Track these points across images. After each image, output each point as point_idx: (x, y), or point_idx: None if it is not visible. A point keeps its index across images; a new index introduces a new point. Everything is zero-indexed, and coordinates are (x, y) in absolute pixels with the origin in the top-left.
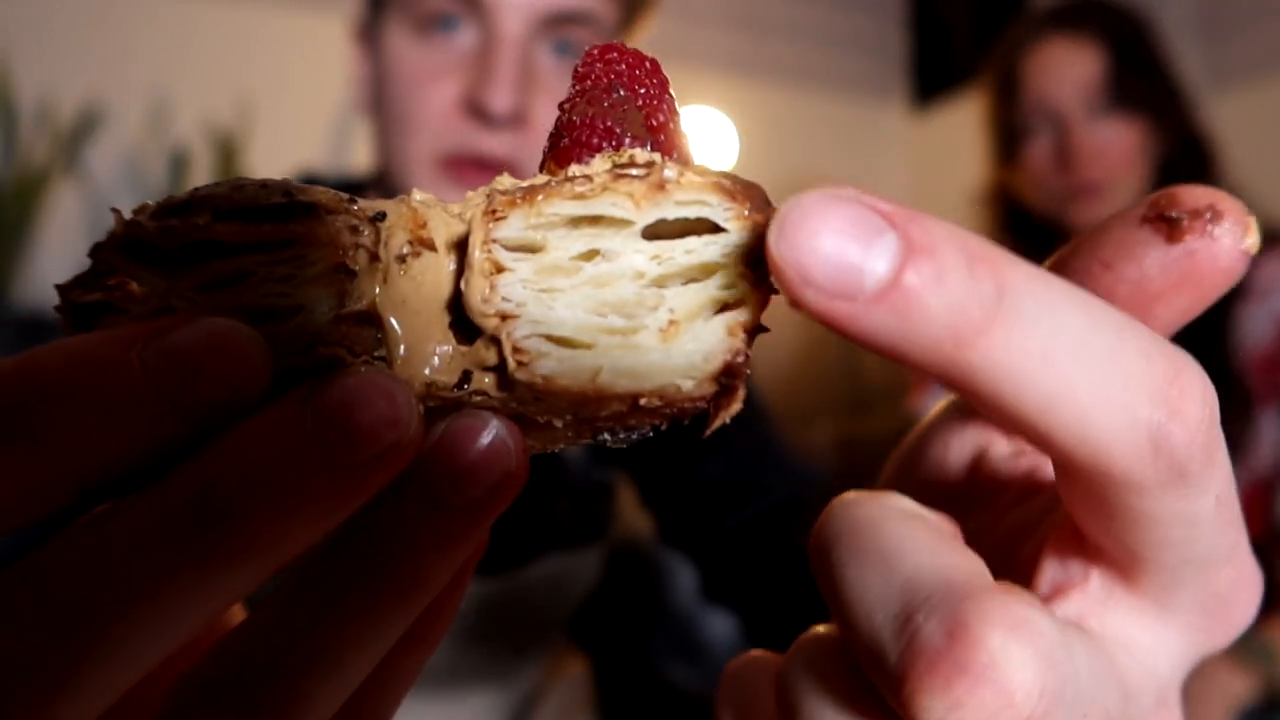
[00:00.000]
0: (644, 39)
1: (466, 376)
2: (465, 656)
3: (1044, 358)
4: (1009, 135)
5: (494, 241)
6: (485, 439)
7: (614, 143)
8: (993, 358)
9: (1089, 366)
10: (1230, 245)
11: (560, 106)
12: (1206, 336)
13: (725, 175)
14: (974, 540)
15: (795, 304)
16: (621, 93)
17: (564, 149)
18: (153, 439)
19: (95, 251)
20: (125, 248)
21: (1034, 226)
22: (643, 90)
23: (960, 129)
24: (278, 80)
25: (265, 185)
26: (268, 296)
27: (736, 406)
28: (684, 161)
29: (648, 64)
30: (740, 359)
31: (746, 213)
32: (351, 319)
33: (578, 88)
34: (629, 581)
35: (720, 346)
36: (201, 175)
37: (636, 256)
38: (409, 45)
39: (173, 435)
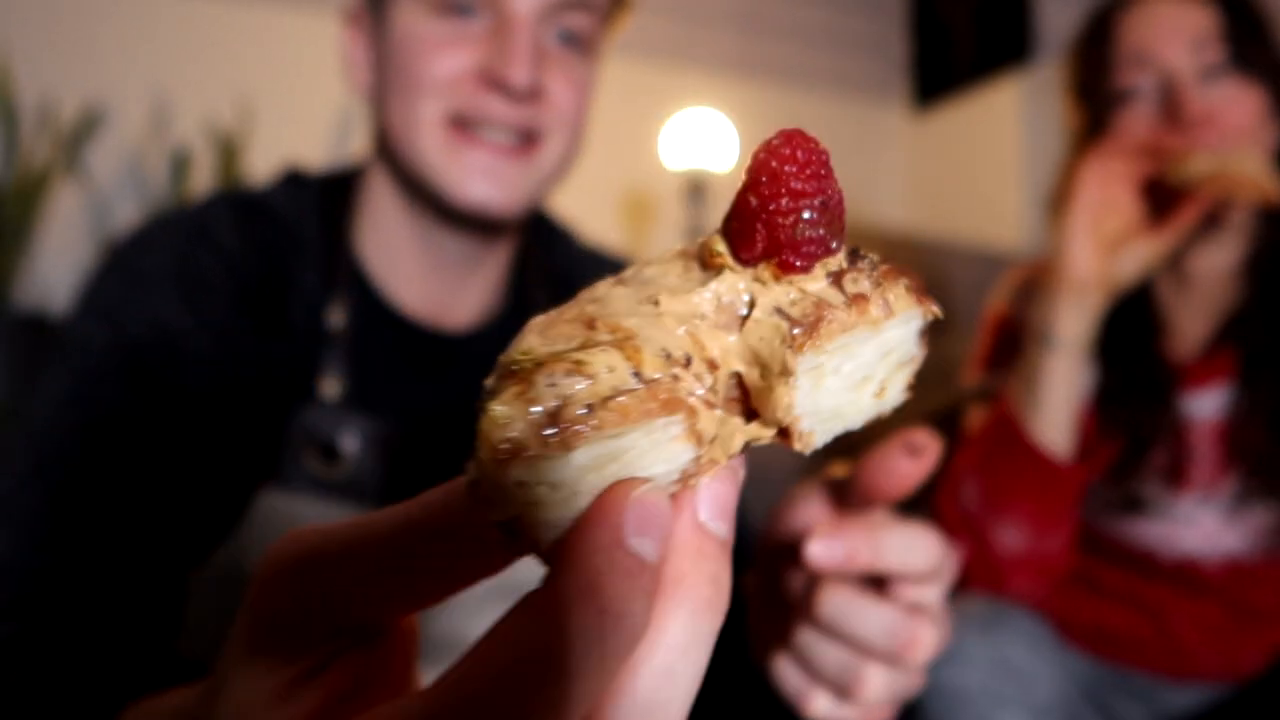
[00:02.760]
0: (625, 29)
1: (746, 446)
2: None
3: None
4: (1097, 108)
5: (789, 374)
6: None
7: (823, 249)
8: None
9: None
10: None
11: (755, 195)
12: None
13: (908, 277)
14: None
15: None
16: (819, 204)
17: (778, 252)
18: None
19: None
20: None
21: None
22: (835, 191)
23: (960, 130)
24: (278, 80)
25: None
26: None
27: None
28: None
29: (824, 154)
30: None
31: (924, 306)
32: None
33: (775, 189)
34: None
35: (902, 396)
36: (202, 175)
37: (870, 354)
38: (423, 21)
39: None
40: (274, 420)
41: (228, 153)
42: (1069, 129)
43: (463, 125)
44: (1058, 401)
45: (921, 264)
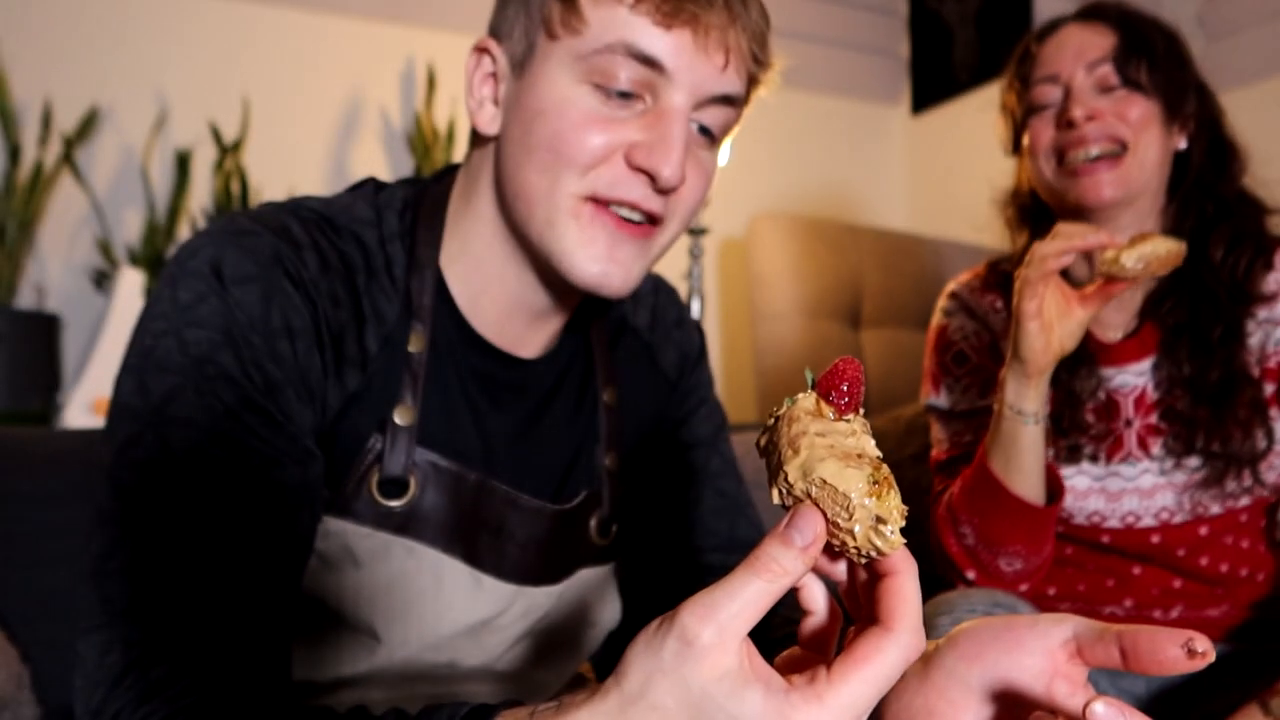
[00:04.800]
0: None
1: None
2: (504, 654)
3: None
4: (1020, 122)
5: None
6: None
7: (858, 410)
8: None
9: None
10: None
11: (848, 381)
12: (1222, 344)
13: (879, 468)
14: None
15: None
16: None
17: (843, 404)
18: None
19: None
20: None
21: (1042, 214)
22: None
23: (961, 131)
24: (278, 80)
25: None
26: None
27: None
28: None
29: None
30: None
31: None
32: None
33: (852, 383)
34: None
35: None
36: (203, 176)
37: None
38: (573, 91)
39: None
40: (345, 449)
41: (227, 153)
42: (1001, 142)
43: (598, 201)
44: (1032, 462)
45: (922, 263)
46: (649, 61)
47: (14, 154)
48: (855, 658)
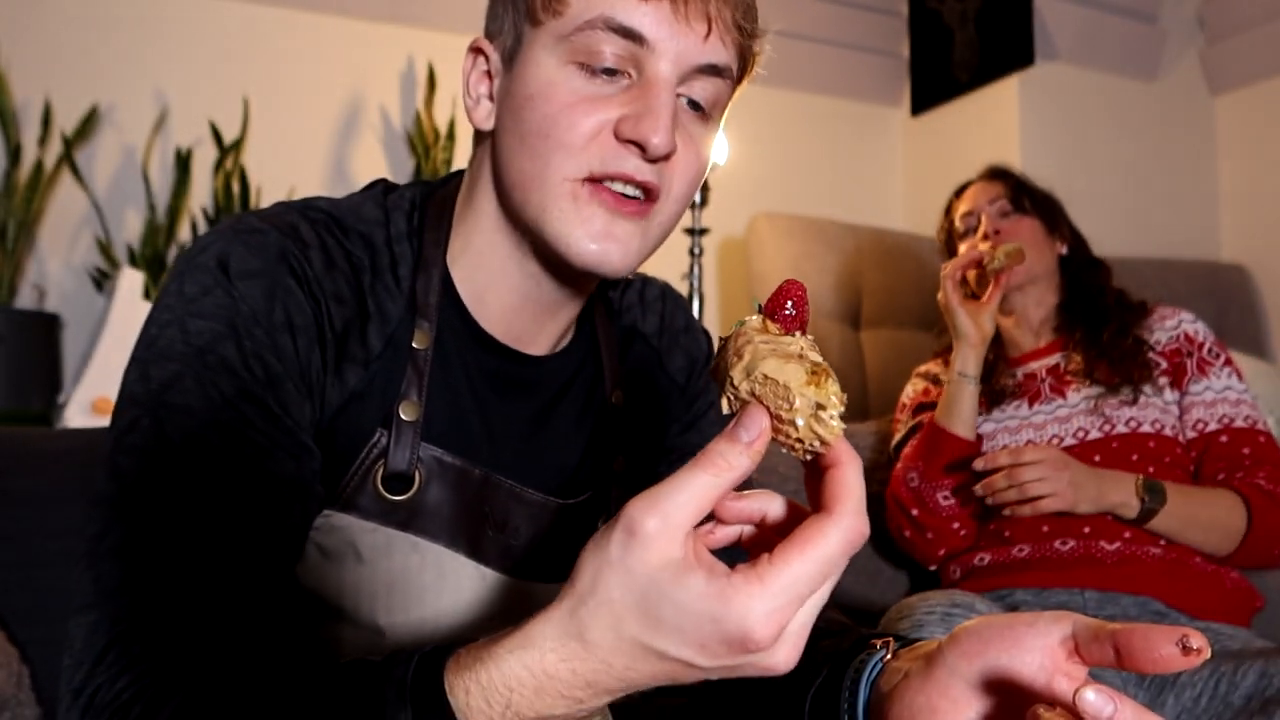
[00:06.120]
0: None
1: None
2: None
3: None
4: (955, 246)
5: (802, 395)
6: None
7: (804, 329)
8: None
9: None
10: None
11: (793, 299)
12: (1130, 340)
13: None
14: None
15: None
16: (795, 311)
17: (789, 320)
18: None
19: None
20: None
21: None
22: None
23: (960, 131)
24: (278, 80)
25: None
26: None
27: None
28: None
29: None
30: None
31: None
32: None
33: (797, 301)
34: None
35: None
36: (203, 175)
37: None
38: (560, 72)
39: None
40: (348, 445)
41: (228, 153)
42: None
43: (594, 181)
44: (968, 412)
45: (921, 263)
46: (629, 34)
47: (14, 154)
48: (797, 540)
